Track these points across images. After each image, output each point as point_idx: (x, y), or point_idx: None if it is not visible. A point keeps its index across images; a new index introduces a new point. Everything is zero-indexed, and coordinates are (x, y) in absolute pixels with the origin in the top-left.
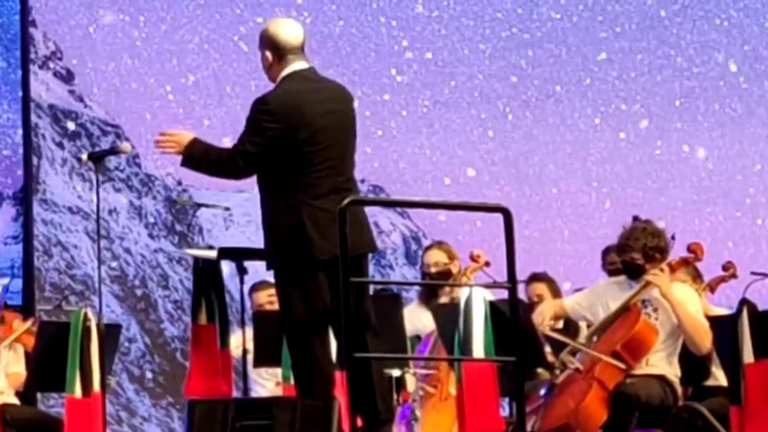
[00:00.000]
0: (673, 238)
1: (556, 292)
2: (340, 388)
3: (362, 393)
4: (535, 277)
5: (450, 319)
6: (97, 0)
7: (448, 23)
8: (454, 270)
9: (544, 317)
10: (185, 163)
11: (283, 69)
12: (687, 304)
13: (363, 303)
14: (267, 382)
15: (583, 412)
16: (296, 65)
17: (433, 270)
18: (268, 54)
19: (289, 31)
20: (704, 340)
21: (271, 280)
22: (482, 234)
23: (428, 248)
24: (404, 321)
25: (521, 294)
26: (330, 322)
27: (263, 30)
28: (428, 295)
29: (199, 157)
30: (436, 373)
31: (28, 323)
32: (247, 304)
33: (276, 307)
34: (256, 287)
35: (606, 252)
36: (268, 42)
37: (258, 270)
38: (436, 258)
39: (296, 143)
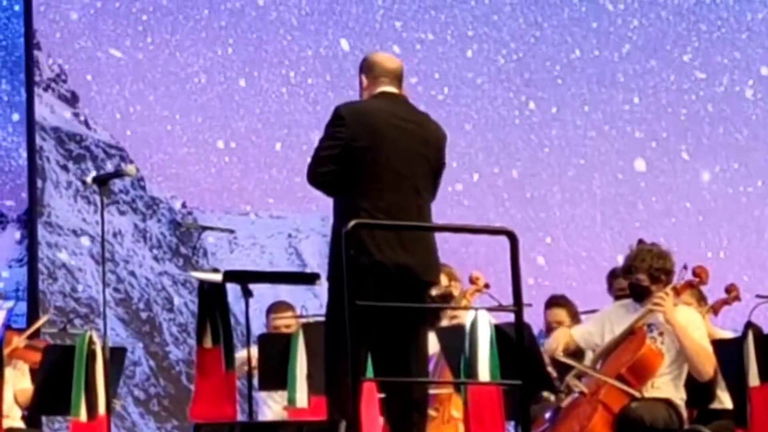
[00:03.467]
0: (685, 267)
1: (574, 316)
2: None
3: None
4: (555, 303)
5: (455, 342)
6: (101, 23)
7: (452, 44)
8: (455, 292)
9: (558, 345)
10: None
11: (375, 91)
12: (691, 329)
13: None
14: (276, 405)
15: None
16: (387, 88)
17: (434, 293)
18: (364, 78)
19: (386, 57)
20: (706, 366)
21: (290, 301)
22: (487, 257)
23: None
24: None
25: (537, 316)
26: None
27: (362, 60)
28: (432, 318)
29: None
30: (438, 395)
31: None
32: (253, 325)
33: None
34: (276, 308)
35: (612, 275)
36: (364, 65)
37: (263, 293)
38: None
39: (358, 150)
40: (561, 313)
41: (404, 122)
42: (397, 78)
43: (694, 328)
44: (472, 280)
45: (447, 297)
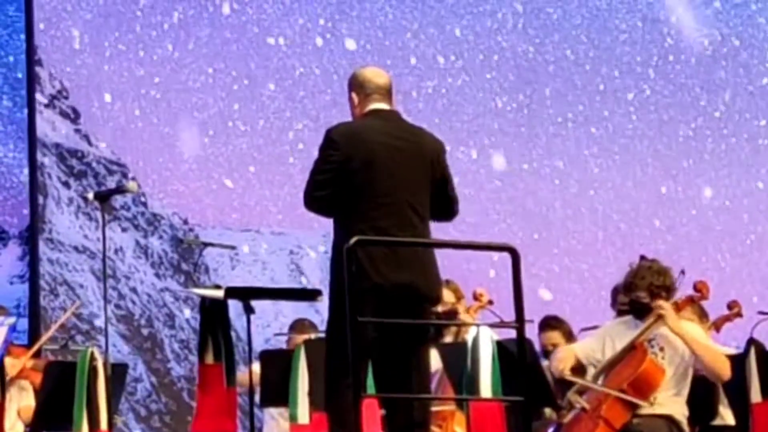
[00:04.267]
0: (682, 272)
1: (569, 336)
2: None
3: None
4: (548, 325)
5: (457, 359)
6: (103, 39)
7: (456, 59)
8: (461, 309)
9: (565, 365)
10: None
11: (366, 108)
12: (699, 337)
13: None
14: (283, 421)
15: None
16: (378, 105)
17: (440, 309)
18: (354, 95)
19: (374, 73)
20: (723, 367)
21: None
22: (488, 273)
23: None
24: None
25: (533, 338)
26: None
27: (350, 76)
28: (435, 335)
29: None
30: (441, 412)
31: (30, 354)
32: (255, 342)
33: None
34: (298, 327)
35: (616, 291)
36: (354, 82)
37: (265, 309)
38: (445, 298)
39: (352, 171)
40: (555, 336)
41: (398, 140)
42: (388, 93)
43: (701, 336)
44: (476, 297)
45: (452, 314)
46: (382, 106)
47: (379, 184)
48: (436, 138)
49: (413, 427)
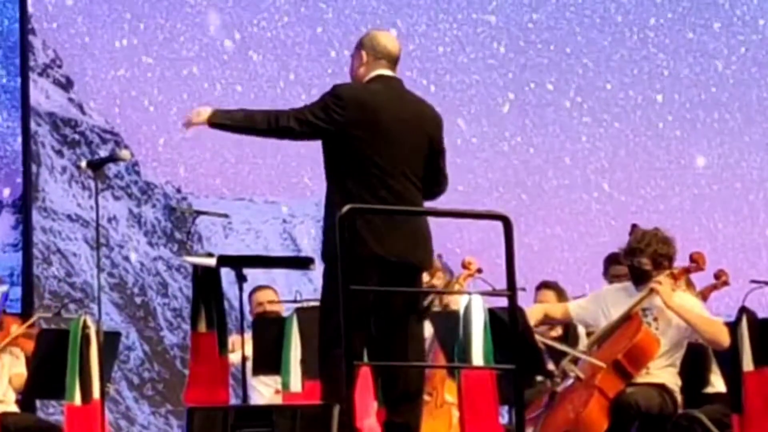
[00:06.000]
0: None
1: (561, 297)
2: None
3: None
4: (545, 285)
5: (449, 327)
6: (96, 8)
7: (447, 31)
8: (438, 282)
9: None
10: (216, 119)
11: (372, 71)
12: (693, 308)
13: (392, 310)
14: (265, 389)
15: (583, 421)
16: (386, 71)
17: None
18: (364, 54)
19: (389, 39)
20: (723, 333)
21: (285, 285)
22: (481, 242)
23: None
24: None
25: (529, 300)
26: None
27: (363, 36)
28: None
29: (236, 112)
30: (432, 380)
31: (24, 327)
32: (246, 309)
33: (274, 309)
34: (257, 289)
35: (609, 260)
36: (366, 42)
37: (257, 278)
38: None
39: (354, 137)
40: (549, 294)
41: (402, 111)
42: (395, 62)
43: (696, 306)
44: (465, 265)
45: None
46: (388, 72)
47: (382, 153)
48: (436, 111)
49: (407, 395)
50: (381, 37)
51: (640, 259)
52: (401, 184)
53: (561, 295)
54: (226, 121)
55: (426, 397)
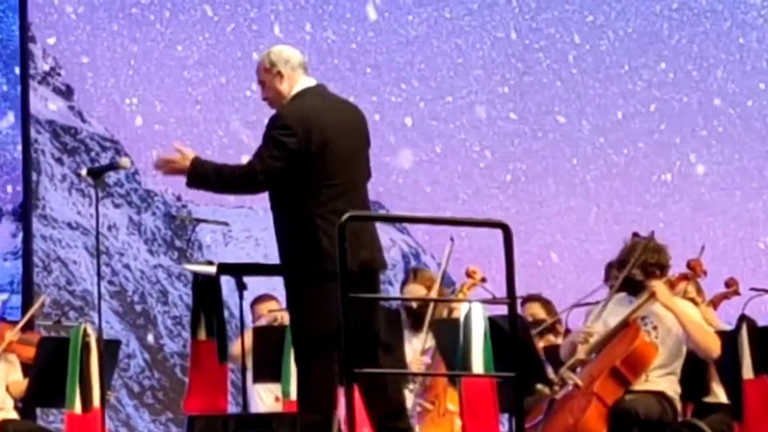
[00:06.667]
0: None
1: (550, 311)
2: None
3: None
4: (531, 298)
5: (450, 335)
6: (96, 16)
7: (447, 39)
8: (434, 296)
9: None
10: (192, 182)
11: (294, 86)
12: (690, 313)
13: (372, 319)
14: (266, 396)
15: (582, 428)
16: (306, 82)
17: (415, 306)
18: (280, 70)
19: (292, 49)
20: (714, 343)
21: (274, 293)
22: (482, 249)
23: (404, 284)
24: (403, 338)
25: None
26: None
27: (265, 55)
28: (413, 325)
29: (208, 174)
30: (434, 389)
31: (18, 329)
32: (247, 318)
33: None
34: (258, 300)
35: (610, 267)
36: (276, 60)
37: (258, 285)
38: (415, 293)
39: (310, 157)
40: (536, 306)
41: (342, 121)
42: (307, 66)
43: (692, 312)
44: (469, 274)
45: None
46: (310, 81)
47: (333, 167)
48: (357, 107)
49: (392, 407)
50: (284, 50)
51: (631, 269)
52: (355, 193)
53: (548, 307)
54: (202, 185)
55: (428, 406)
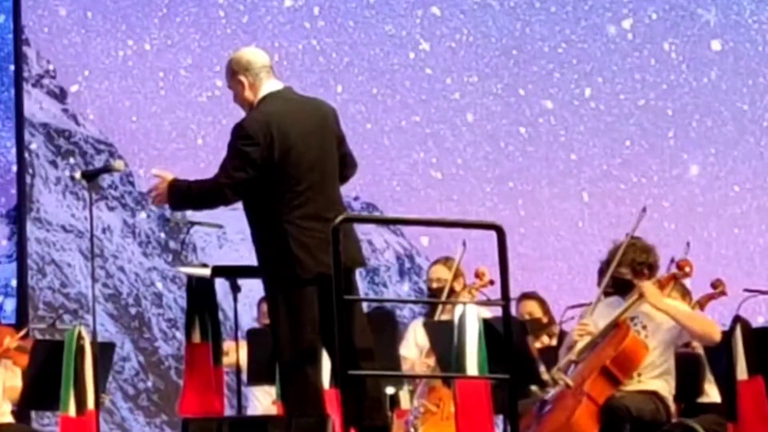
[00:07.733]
0: (672, 261)
1: (546, 311)
2: (333, 405)
3: (358, 408)
4: (526, 296)
5: (444, 337)
6: (90, 19)
7: (441, 41)
8: (458, 287)
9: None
10: (173, 204)
11: (258, 92)
12: (680, 308)
13: (353, 320)
14: (263, 397)
15: (573, 427)
16: (271, 85)
17: (434, 285)
18: (242, 78)
19: (254, 52)
20: (712, 327)
21: None
22: (476, 251)
23: (434, 263)
24: (398, 339)
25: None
26: (321, 339)
27: (229, 61)
28: (429, 312)
29: (184, 196)
30: (438, 391)
31: (18, 336)
32: (241, 321)
33: None
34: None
35: (603, 270)
36: (237, 67)
37: (252, 288)
38: (438, 274)
39: (274, 164)
40: (532, 304)
41: (306, 122)
42: (272, 68)
43: (683, 306)
44: (478, 275)
45: (444, 291)
46: (275, 84)
47: (299, 172)
48: (328, 104)
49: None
50: (245, 54)
51: (620, 269)
52: (326, 195)
53: (543, 305)
54: (184, 205)
55: (433, 408)
